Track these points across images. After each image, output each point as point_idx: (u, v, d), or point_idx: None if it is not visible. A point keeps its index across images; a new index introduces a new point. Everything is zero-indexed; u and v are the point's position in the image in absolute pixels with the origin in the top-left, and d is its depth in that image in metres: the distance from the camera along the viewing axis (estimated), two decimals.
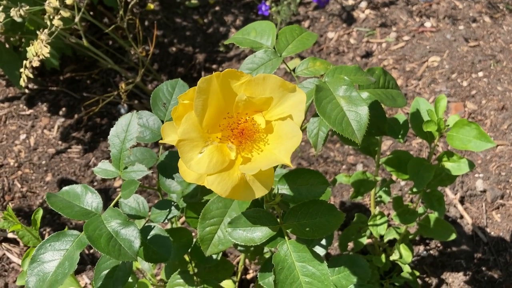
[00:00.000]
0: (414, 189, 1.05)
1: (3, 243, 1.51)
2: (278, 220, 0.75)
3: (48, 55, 1.33)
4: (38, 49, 1.35)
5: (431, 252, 1.41)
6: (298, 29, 0.93)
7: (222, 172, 0.59)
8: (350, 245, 1.32)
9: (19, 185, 1.64)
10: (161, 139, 0.72)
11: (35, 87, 1.88)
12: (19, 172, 1.67)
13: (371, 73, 0.91)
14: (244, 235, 0.73)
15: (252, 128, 0.62)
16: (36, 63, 1.37)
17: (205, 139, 0.60)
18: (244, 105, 0.61)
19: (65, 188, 0.83)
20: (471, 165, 1.00)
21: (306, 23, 2.02)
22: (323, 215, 0.74)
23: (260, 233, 0.73)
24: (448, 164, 1.02)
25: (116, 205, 0.85)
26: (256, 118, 0.62)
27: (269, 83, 0.61)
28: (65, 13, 1.37)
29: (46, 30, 1.35)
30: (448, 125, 0.97)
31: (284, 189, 0.84)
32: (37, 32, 1.38)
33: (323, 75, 0.86)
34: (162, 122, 0.92)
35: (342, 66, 0.84)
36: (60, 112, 1.82)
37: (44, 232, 1.53)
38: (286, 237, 0.74)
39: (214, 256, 1.00)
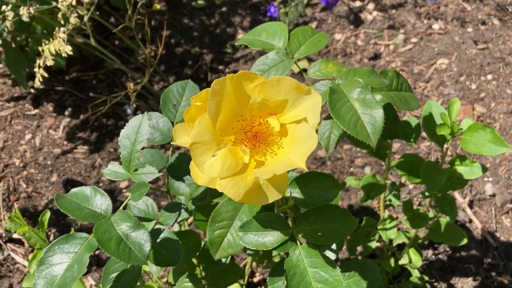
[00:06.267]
0: (426, 193, 1.04)
1: (8, 244, 1.51)
2: (290, 224, 0.74)
3: (71, 53, 1.34)
4: (60, 47, 1.34)
5: (440, 256, 1.40)
6: (310, 30, 0.92)
7: (235, 175, 0.58)
8: (359, 248, 1.30)
9: (24, 185, 1.63)
10: (171, 141, 0.71)
11: (41, 86, 1.87)
12: (25, 172, 1.66)
13: (384, 75, 0.90)
14: (256, 240, 0.72)
15: (266, 131, 0.60)
16: (50, 62, 1.37)
17: (218, 142, 0.59)
18: (258, 108, 0.59)
19: (74, 190, 0.82)
20: (484, 169, 0.99)
21: (313, 24, 2.00)
22: (336, 220, 0.73)
23: (271, 238, 0.72)
24: (460, 168, 1.00)
25: (125, 207, 0.84)
26: (270, 121, 0.60)
27: (283, 85, 0.60)
28: (82, 11, 1.37)
29: (63, 29, 1.35)
30: (462, 129, 0.96)
31: (295, 192, 0.83)
32: (45, 31, 1.38)
33: (335, 77, 0.85)
34: (172, 123, 0.91)
35: (356, 69, 0.83)
36: (66, 112, 1.81)
37: (49, 233, 1.52)
38: (298, 242, 0.72)
39: (223, 260, 0.99)
